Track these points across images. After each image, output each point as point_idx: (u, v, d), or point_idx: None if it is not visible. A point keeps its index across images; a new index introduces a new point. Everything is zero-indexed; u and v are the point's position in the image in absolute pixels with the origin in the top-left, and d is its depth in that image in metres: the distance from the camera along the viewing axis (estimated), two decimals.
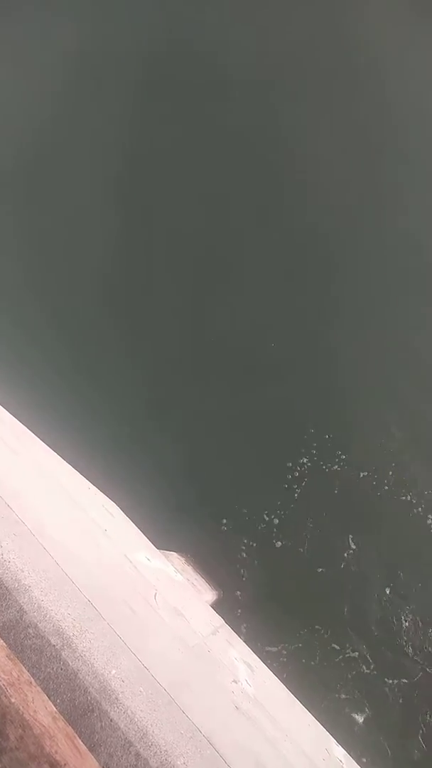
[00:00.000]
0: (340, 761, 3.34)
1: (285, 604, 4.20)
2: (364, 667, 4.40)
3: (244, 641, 3.75)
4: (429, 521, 4.61)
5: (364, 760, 3.68)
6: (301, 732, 3.28)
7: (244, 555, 4.26)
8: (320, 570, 4.33)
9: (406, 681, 4.67)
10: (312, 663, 4.09)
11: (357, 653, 4.33)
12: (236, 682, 3.33)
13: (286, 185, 5.87)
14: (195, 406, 4.73)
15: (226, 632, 3.73)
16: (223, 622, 3.92)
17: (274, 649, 4.04)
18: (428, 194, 5.97)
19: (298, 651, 4.07)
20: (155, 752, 2.19)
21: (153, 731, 2.23)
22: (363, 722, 4.18)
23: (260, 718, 3.19)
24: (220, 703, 3.11)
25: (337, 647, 4.25)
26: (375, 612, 4.46)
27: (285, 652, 4.03)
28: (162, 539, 4.09)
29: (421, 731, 4.66)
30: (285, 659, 3.99)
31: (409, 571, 4.56)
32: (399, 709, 4.59)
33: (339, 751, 3.42)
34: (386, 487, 4.55)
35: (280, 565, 4.26)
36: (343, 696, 4.10)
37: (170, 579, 3.75)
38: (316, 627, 4.23)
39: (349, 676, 4.21)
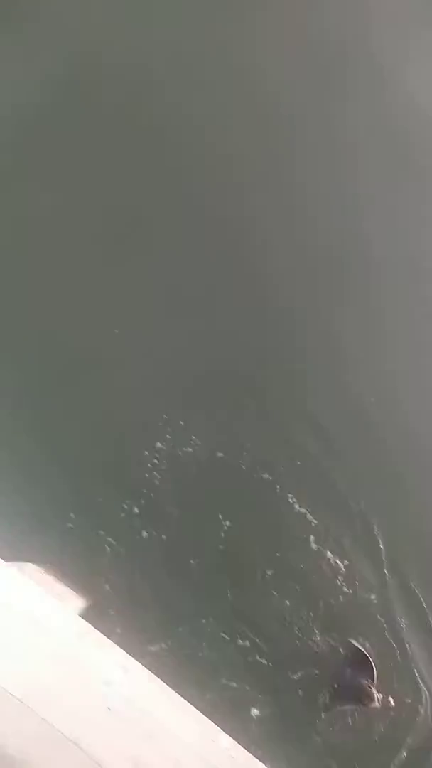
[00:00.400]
0: (228, 750, 3.13)
1: (161, 598, 3.96)
2: (256, 655, 4.23)
3: (117, 643, 3.43)
4: (290, 499, 4.64)
5: (254, 748, 3.49)
6: (185, 726, 3.05)
7: (109, 551, 3.97)
8: (194, 559, 4.17)
9: (297, 667, 4.56)
10: (198, 655, 3.87)
11: (247, 641, 4.17)
12: (108, 685, 3.04)
13: None
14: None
15: (96, 637, 3.41)
16: (91, 627, 3.56)
17: (153, 648, 3.76)
18: None
19: (181, 645, 3.83)
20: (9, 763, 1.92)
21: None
22: (254, 712, 4.00)
23: (137, 717, 2.93)
24: (90, 707, 2.82)
25: (227, 637, 4.07)
26: (260, 596, 4.36)
27: (166, 648, 3.76)
28: (11, 550, 3.70)
29: (316, 719, 4.55)
30: (166, 656, 3.73)
31: (286, 550, 4.54)
32: (292, 696, 4.45)
33: (227, 741, 3.22)
34: (244, 467, 4.57)
35: (149, 556, 4.03)
36: (233, 685, 3.91)
37: (26, 591, 3.39)
38: (201, 619, 4.03)
39: (238, 665, 4.04)
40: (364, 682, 5.20)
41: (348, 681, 5.22)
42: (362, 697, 5.03)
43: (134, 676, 3.24)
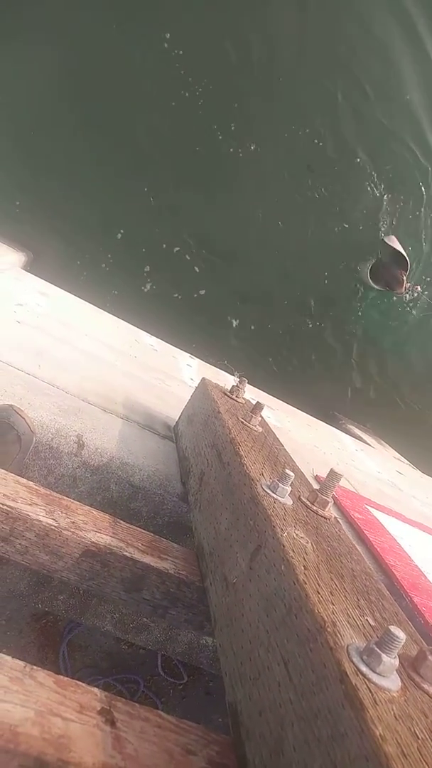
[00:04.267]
0: (152, 346, 3.76)
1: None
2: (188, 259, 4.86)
3: (38, 274, 3.91)
4: None
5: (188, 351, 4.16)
6: (104, 330, 3.60)
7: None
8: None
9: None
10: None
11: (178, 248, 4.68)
12: (22, 305, 3.58)
13: None
14: None
15: (15, 272, 3.88)
16: (14, 263, 4.05)
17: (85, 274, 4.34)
18: None
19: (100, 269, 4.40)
20: None
21: None
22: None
23: (49, 325, 3.51)
24: None
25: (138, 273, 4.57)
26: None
27: (86, 274, 4.34)
28: None
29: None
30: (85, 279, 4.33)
31: None
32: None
33: (151, 339, 3.84)
34: None
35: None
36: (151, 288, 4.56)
37: None
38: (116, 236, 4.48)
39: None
40: (398, 271, 6.26)
41: (384, 269, 6.35)
42: (394, 284, 6.25)
43: (53, 298, 3.79)
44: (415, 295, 6.55)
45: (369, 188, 6.22)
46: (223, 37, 5.28)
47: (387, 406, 6.85)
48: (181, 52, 5.16)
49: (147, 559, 1.32)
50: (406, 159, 6.22)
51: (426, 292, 6.52)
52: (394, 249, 6.21)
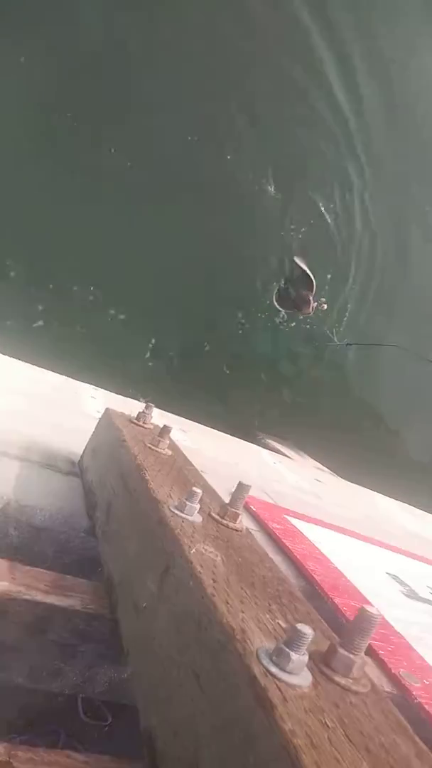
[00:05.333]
0: (52, 383, 3.69)
1: None
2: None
3: None
4: None
5: None
6: None
7: None
8: None
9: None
10: None
11: None
12: None
13: None
14: None
15: None
16: None
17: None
18: None
19: None
20: None
21: None
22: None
23: None
24: None
25: None
26: None
27: None
28: None
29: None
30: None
31: None
32: None
33: (50, 376, 3.78)
34: None
35: None
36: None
37: None
38: None
39: None
40: (304, 292, 6.52)
41: (290, 291, 6.59)
42: (301, 305, 6.47)
43: None
44: (323, 311, 6.81)
45: (271, 209, 6.50)
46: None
47: (305, 419, 7.07)
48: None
49: (50, 599, 1.29)
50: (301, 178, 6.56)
51: (325, 305, 6.79)
52: (301, 270, 6.50)
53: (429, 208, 7.61)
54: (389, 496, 4.97)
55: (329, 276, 6.92)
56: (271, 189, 6.38)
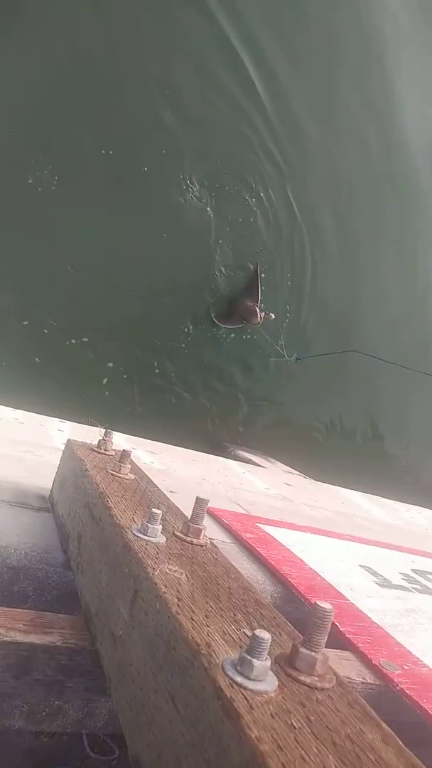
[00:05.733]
0: (17, 419, 3.65)
1: None
2: None
3: None
4: None
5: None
6: None
7: None
8: None
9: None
10: None
11: None
12: None
13: None
14: None
15: None
16: None
17: None
18: None
19: None
20: None
21: None
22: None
23: None
24: None
25: None
26: None
27: None
28: None
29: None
30: None
31: None
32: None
33: (14, 413, 3.74)
34: None
35: None
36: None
37: None
38: None
39: None
40: (250, 303, 6.42)
41: (236, 304, 6.48)
42: (249, 316, 6.34)
43: None
44: (271, 318, 6.66)
45: (212, 219, 6.51)
46: None
47: (270, 425, 7.11)
48: None
49: (30, 638, 1.27)
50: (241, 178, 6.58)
51: (273, 315, 6.68)
52: (248, 279, 6.47)
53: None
54: (357, 490, 5.03)
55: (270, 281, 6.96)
56: (197, 194, 6.38)
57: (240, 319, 6.54)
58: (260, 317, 6.41)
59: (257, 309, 6.40)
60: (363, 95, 7.61)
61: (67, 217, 5.55)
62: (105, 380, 5.87)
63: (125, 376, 5.99)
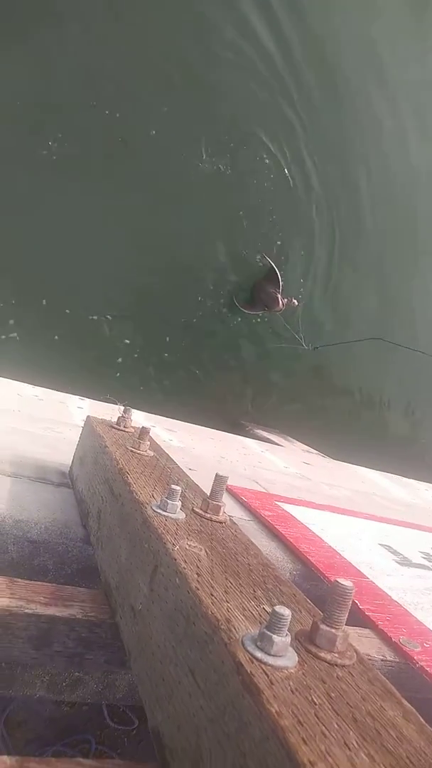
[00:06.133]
0: (37, 397, 3.68)
1: None
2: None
3: None
4: None
5: None
6: None
7: None
8: None
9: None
10: None
11: None
12: None
13: None
14: None
15: None
16: None
17: None
18: None
19: None
20: None
21: None
22: None
23: None
24: None
25: None
26: None
27: None
28: None
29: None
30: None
31: None
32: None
33: (34, 390, 3.76)
34: None
35: None
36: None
37: None
38: None
39: None
40: (272, 290, 6.36)
41: (258, 291, 6.43)
42: (271, 303, 6.29)
43: None
44: (294, 305, 6.55)
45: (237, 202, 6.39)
46: None
47: (289, 404, 7.08)
48: None
49: (51, 611, 1.29)
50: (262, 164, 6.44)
51: (296, 301, 6.58)
52: (267, 267, 6.39)
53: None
54: (376, 469, 5.01)
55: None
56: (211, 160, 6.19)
57: (262, 305, 6.48)
58: (282, 304, 6.34)
59: (278, 296, 6.33)
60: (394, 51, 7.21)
61: (77, 190, 5.48)
62: (121, 359, 5.88)
63: (143, 355, 5.99)
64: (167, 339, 6.17)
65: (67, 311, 5.54)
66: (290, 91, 6.49)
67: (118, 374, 5.80)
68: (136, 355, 5.94)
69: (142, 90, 5.69)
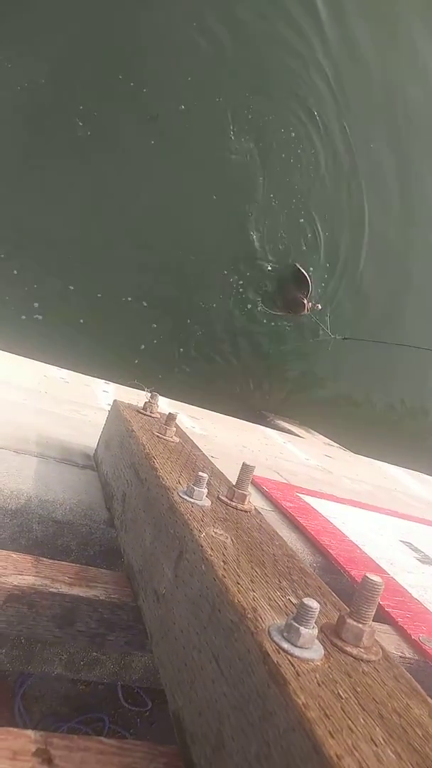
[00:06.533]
0: (63, 379, 3.71)
1: None
2: None
3: None
4: None
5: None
6: (8, 371, 3.51)
7: None
8: None
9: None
10: None
11: None
12: None
13: None
14: None
15: None
16: None
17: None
18: None
19: None
20: None
21: None
22: None
23: None
24: None
25: None
26: None
27: None
28: None
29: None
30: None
31: None
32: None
33: (61, 372, 3.79)
34: None
35: None
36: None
37: None
38: None
39: None
40: (300, 295, 6.40)
41: (286, 294, 6.45)
42: (296, 307, 6.35)
43: None
44: (318, 309, 6.61)
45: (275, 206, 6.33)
46: None
47: (311, 397, 7.04)
48: None
49: (75, 591, 1.30)
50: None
51: (319, 306, 6.58)
52: (297, 271, 6.40)
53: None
54: (398, 465, 4.96)
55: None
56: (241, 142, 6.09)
57: (288, 308, 6.54)
58: (307, 308, 6.44)
59: (305, 301, 6.41)
60: None
61: (104, 172, 5.47)
62: (144, 346, 5.89)
63: (167, 341, 5.99)
64: (192, 327, 6.16)
65: (99, 295, 5.56)
66: (322, 62, 6.37)
67: (141, 359, 5.82)
68: (160, 342, 5.95)
69: (169, 65, 5.63)
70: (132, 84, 5.48)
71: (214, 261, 6.18)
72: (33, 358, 3.76)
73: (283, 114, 6.29)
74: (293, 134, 6.37)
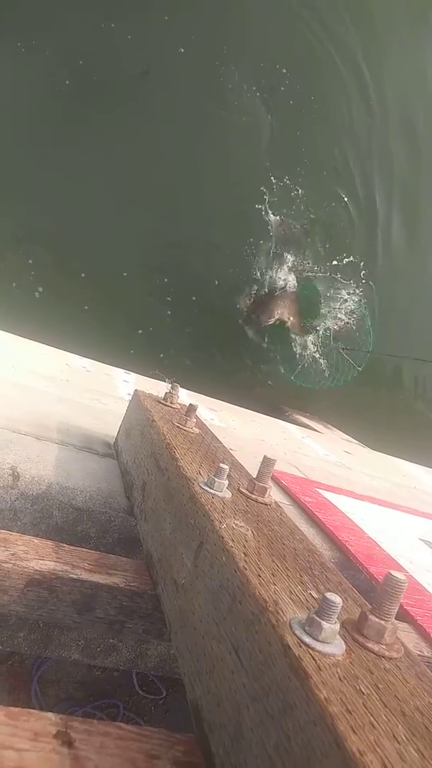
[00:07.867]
0: (85, 368, 3.72)
1: None
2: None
3: None
4: None
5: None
6: (32, 359, 3.53)
7: None
8: None
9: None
10: None
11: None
12: None
13: None
14: None
15: None
16: None
17: None
18: None
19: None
20: None
21: None
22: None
23: None
24: None
25: None
26: None
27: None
28: None
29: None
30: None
31: None
32: None
33: (83, 361, 3.81)
34: None
35: None
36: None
37: None
38: None
39: None
40: (277, 310, 6.39)
41: (267, 300, 6.44)
42: (262, 315, 6.36)
43: None
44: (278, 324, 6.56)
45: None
46: None
47: (330, 392, 7.00)
48: None
49: (95, 578, 1.31)
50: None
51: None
52: (291, 289, 6.38)
53: None
54: (417, 463, 4.92)
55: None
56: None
57: (256, 311, 6.46)
58: (273, 320, 6.39)
59: (276, 314, 6.35)
60: None
61: (112, 153, 5.48)
62: (165, 337, 5.91)
63: (187, 334, 6.00)
64: (212, 319, 6.16)
65: (119, 282, 5.57)
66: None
67: (161, 350, 5.83)
68: (179, 333, 5.96)
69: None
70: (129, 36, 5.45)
71: (236, 256, 6.17)
72: (56, 347, 3.79)
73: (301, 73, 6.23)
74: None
